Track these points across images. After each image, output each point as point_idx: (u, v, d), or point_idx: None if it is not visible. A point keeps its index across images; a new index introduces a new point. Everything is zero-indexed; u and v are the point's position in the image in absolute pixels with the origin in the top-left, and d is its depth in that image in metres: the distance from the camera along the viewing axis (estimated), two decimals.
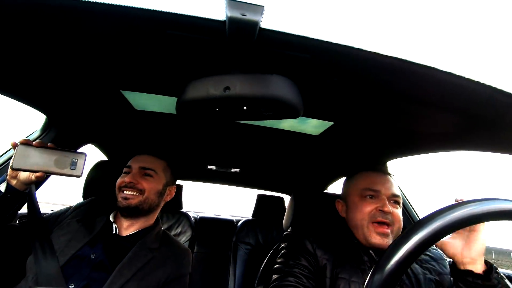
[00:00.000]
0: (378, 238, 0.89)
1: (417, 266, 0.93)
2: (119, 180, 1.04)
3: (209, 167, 1.94)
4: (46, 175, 0.82)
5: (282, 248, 1.02)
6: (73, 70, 0.80)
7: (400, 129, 0.97)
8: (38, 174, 0.80)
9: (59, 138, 1.19)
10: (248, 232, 1.87)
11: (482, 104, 0.64)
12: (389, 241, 0.88)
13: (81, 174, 0.82)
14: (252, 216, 2.13)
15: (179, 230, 1.80)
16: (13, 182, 0.82)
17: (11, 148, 1.10)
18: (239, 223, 1.98)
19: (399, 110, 0.82)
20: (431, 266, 0.94)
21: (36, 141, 0.80)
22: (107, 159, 1.72)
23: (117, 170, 1.10)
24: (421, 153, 1.15)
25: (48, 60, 0.74)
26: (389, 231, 0.89)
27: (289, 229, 1.07)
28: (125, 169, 1.08)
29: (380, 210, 0.91)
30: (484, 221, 0.43)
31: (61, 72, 0.82)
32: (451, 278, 0.94)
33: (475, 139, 0.87)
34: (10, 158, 0.98)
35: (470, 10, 0.58)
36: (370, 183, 0.97)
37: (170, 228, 1.73)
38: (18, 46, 0.67)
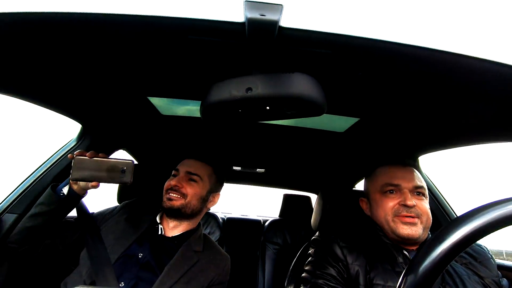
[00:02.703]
0: (405, 228, 0.85)
1: (459, 265, 0.87)
2: (166, 183, 1.08)
3: (234, 168, 1.96)
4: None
5: (309, 254, 1.00)
6: (104, 81, 0.84)
7: (432, 121, 0.92)
8: (93, 183, 0.87)
9: (93, 145, 1.26)
10: (276, 232, 1.87)
11: None
12: (418, 229, 0.85)
13: (131, 180, 0.85)
14: (279, 216, 2.12)
15: (207, 231, 1.84)
16: (75, 187, 0.89)
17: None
18: (266, 223, 1.98)
19: (430, 102, 0.78)
20: (473, 267, 0.88)
21: (89, 152, 0.85)
22: (137, 163, 1.80)
23: (148, 173, 1.14)
24: (457, 146, 1.08)
25: (82, 73, 0.79)
26: (416, 220, 0.85)
27: (317, 233, 1.05)
28: (173, 172, 1.12)
29: (403, 204, 0.87)
30: None
31: (93, 83, 0.87)
32: (502, 280, 0.87)
33: None
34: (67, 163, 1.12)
35: None
36: (389, 177, 0.93)
37: None
38: (57, 62, 0.72)
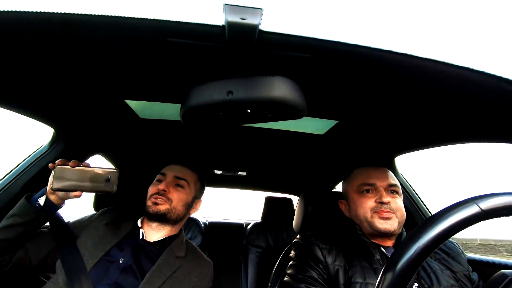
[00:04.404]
0: (382, 222, 0.90)
1: (433, 260, 0.92)
2: (152, 188, 1.06)
3: (215, 171, 1.95)
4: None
5: (291, 258, 1.02)
6: (78, 83, 0.81)
7: (407, 123, 0.96)
8: (76, 193, 0.84)
9: (67, 150, 1.21)
10: (258, 235, 1.87)
11: (488, 94, 0.63)
12: (393, 223, 0.90)
13: (115, 189, 0.83)
14: (261, 219, 2.13)
15: (189, 236, 1.81)
16: (52, 197, 0.85)
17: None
18: (249, 227, 1.97)
19: (405, 105, 0.81)
20: (446, 262, 0.92)
21: (71, 161, 0.82)
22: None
23: (127, 178, 1.11)
24: (430, 147, 1.13)
25: (54, 74, 0.75)
26: (392, 215, 0.91)
27: (298, 236, 1.07)
28: (158, 177, 1.10)
29: (379, 202, 0.93)
30: (498, 217, 0.42)
31: (67, 86, 0.83)
32: (472, 274, 0.92)
33: (484, 130, 0.86)
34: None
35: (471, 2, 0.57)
36: (364, 178, 0.99)
37: None
38: (25, 63, 0.68)
